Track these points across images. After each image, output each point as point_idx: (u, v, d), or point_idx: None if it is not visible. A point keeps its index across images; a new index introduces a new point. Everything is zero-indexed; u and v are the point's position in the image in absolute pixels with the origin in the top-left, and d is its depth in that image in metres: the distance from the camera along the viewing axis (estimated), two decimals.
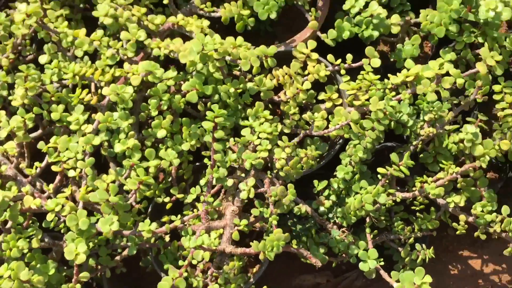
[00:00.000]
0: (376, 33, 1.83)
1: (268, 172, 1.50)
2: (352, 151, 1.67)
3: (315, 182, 1.75)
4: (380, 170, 1.67)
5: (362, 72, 1.81)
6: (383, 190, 1.66)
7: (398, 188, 1.83)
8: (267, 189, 1.44)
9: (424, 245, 1.80)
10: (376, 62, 1.71)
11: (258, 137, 1.47)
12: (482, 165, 1.66)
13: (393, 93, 1.69)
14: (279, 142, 1.48)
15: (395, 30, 1.83)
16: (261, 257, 1.34)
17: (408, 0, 1.94)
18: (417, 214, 1.82)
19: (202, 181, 1.48)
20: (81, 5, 1.80)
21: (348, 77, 1.79)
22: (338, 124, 1.64)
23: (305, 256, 1.49)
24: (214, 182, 1.46)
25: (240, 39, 1.65)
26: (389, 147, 1.89)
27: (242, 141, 1.48)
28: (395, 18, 1.83)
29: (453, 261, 2.07)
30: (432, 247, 1.81)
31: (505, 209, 1.73)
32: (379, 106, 1.61)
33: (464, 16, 1.77)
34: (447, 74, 1.63)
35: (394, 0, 1.92)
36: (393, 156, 1.67)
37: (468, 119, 1.83)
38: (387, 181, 1.74)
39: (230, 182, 1.45)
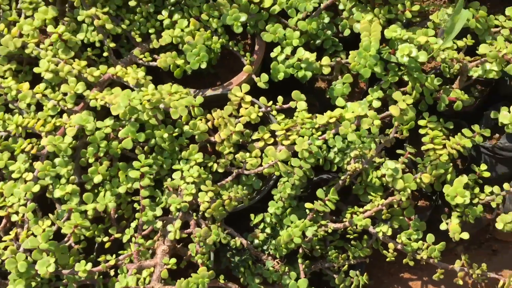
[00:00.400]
0: (309, 74, 1.95)
1: (194, 214, 1.63)
2: (281, 187, 1.79)
3: (252, 215, 1.88)
4: (307, 205, 1.79)
5: (297, 110, 1.94)
6: (310, 224, 1.77)
7: (334, 217, 1.95)
8: (192, 230, 1.56)
9: (358, 272, 1.92)
10: (302, 105, 1.83)
11: (185, 182, 1.60)
12: (402, 199, 1.78)
13: (319, 132, 1.81)
14: (202, 186, 1.61)
15: (326, 71, 1.96)
16: None
17: (341, 41, 2.07)
18: (352, 242, 1.94)
19: (133, 224, 1.60)
20: (32, 54, 1.93)
21: (283, 116, 1.92)
22: (267, 163, 1.77)
23: None
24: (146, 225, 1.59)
25: (175, 86, 1.78)
26: (325, 179, 2.01)
27: (171, 185, 1.60)
28: (325, 60, 1.95)
29: (394, 283, 2.19)
30: (366, 273, 1.93)
31: (429, 237, 1.85)
32: (304, 146, 1.73)
33: (387, 58, 1.89)
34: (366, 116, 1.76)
35: (326, 42, 2.05)
36: (319, 192, 1.79)
37: (398, 151, 1.96)
38: (321, 213, 1.87)
39: (159, 224, 1.57)
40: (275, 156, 1.76)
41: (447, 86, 2.00)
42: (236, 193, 1.64)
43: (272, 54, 1.87)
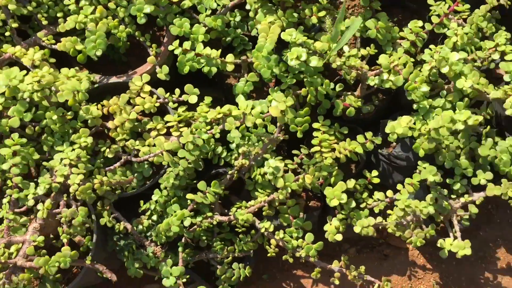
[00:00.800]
0: (214, 69, 2.00)
1: (65, 195, 1.69)
2: (165, 177, 1.85)
3: (141, 202, 1.94)
4: (188, 196, 1.85)
5: (201, 103, 2.00)
6: (189, 214, 1.83)
7: (227, 210, 2.01)
8: (61, 210, 1.62)
9: (241, 265, 1.99)
10: (193, 99, 1.89)
11: (62, 164, 1.66)
12: (280, 197, 1.84)
13: (208, 127, 1.86)
14: (74, 169, 1.66)
15: (229, 68, 2.00)
16: (41, 271, 1.52)
17: (253, 39, 2.12)
18: (240, 236, 2.00)
19: (5, 200, 1.66)
20: None
21: (184, 108, 1.97)
22: (155, 152, 1.83)
23: (101, 270, 1.67)
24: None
25: (73, 71, 1.84)
26: (221, 173, 2.07)
27: (49, 166, 1.66)
28: (229, 58, 2.00)
29: (287, 280, 2.25)
30: (248, 267, 1.99)
31: (308, 237, 1.91)
32: (188, 138, 1.79)
33: (286, 60, 1.94)
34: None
35: (235, 40, 2.10)
36: (200, 184, 1.85)
37: (293, 151, 2.02)
38: (212, 205, 1.93)
39: (30, 202, 1.63)
40: (162, 146, 1.81)
41: (349, 93, 2.06)
42: (112, 179, 1.70)
43: (170, 47, 1.92)
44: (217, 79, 2.17)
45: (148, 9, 1.93)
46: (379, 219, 1.81)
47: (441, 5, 1.99)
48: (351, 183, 1.95)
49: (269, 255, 1.94)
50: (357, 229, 1.79)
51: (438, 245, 1.86)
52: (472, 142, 1.89)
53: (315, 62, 1.86)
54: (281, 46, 1.99)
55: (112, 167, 1.85)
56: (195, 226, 1.91)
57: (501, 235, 2.21)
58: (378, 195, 1.96)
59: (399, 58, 1.90)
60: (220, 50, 1.98)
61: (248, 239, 1.97)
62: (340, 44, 1.82)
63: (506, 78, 1.85)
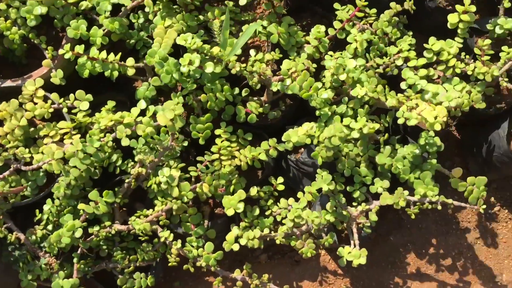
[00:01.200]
0: (116, 73, 1.94)
1: None
2: (56, 186, 1.80)
3: (37, 211, 1.88)
4: (80, 206, 1.79)
5: (102, 108, 1.94)
6: (80, 225, 1.78)
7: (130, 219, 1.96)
8: None
9: (143, 274, 1.94)
10: (85, 105, 1.83)
11: None
12: (175, 207, 1.80)
13: (102, 134, 1.80)
14: None
15: (130, 72, 1.94)
16: None
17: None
18: (143, 244, 1.95)
19: None
20: None
21: (84, 113, 1.91)
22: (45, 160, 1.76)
23: None
24: None
25: None
26: (123, 180, 2.01)
27: None
28: (129, 62, 1.94)
29: (199, 286, 2.22)
30: (150, 276, 1.94)
31: (208, 246, 1.87)
32: (78, 147, 1.73)
33: None
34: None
35: (138, 43, 2.04)
36: (92, 194, 1.80)
37: (198, 158, 1.97)
38: (104, 214, 1.88)
39: None
40: (51, 154, 1.75)
41: (255, 98, 2.02)
42: None
43: (60, 51, 1.86)
44: (122, 82, 2.12)
45: (40, 10, 1.86)
46: (266, 230, 1.79)
47: (345, 11, 1.96)
48: (254, 190, 1.92)
49: (170, 264, 1.90)
50: (242, 242, 1.76)
51: (337, 253, 1.85)
52: (370, 150, 1.87)
53: (211, 68, 1.81)
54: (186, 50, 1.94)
55: (1, 176, 1.78)
56: (92, 236, 1.86)
57: (411, 240, 2.21)
58: (282, 203, 1.94)
59: (297, 65, 1.87)
60: (119, 54, 1.93)
61: (150, 248, 1.92)
62: (234, 50, 1.78)
63: (402, 85, 1.84)
